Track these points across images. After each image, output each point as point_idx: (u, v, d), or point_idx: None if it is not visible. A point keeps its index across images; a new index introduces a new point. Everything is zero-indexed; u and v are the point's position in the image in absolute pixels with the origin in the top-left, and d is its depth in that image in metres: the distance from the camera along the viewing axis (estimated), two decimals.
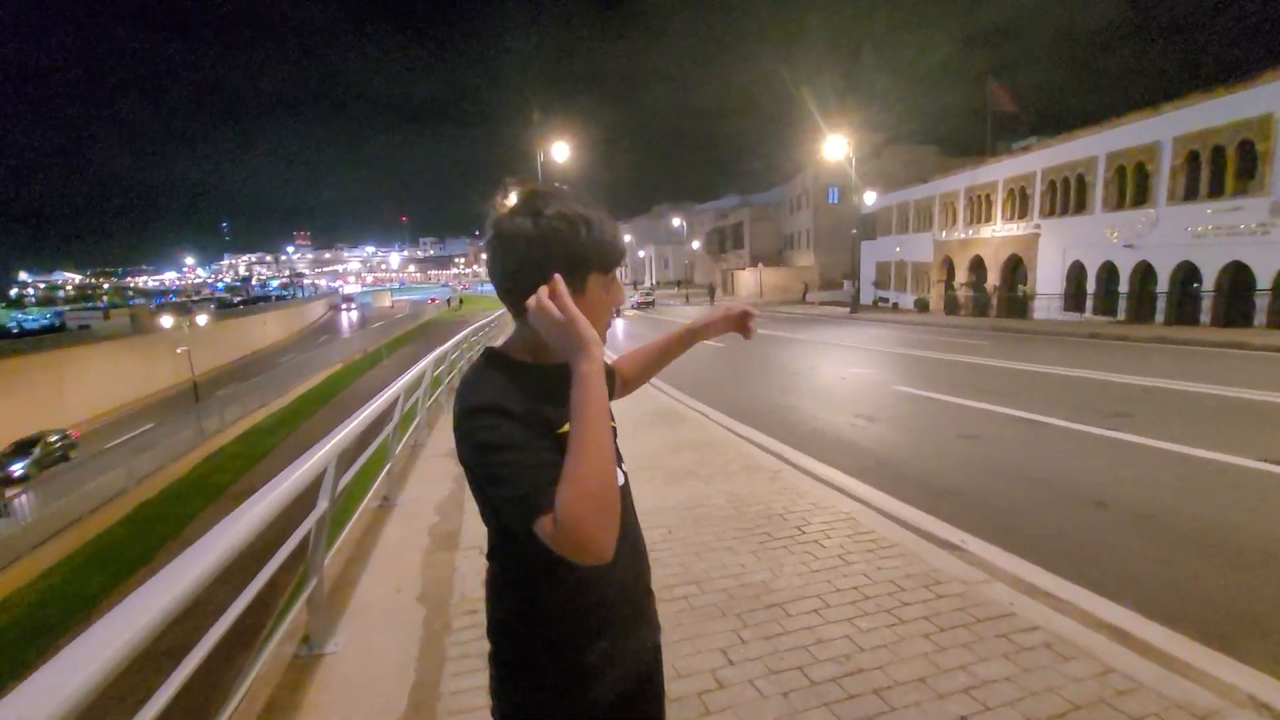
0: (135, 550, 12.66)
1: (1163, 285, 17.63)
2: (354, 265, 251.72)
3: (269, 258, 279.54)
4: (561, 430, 0.90)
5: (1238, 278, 15.87)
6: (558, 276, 0.89)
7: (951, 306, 27.10)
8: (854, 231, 29.97)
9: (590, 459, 0.82)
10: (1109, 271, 19.63)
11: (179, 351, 31.71)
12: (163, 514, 14.76)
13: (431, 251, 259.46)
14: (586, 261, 0.92)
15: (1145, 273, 18.32)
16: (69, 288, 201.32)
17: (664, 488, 4.44)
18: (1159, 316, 17.56)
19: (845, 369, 11.15)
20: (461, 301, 77.88)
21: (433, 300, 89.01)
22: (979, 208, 25.99)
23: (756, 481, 4.52)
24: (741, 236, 56.23)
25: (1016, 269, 24.15)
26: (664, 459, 5.08)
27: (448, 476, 5.03)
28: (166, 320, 36.13)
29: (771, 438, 6.16)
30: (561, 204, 0.91)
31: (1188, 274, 17.14)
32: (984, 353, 12.49)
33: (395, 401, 4.45)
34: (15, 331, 37.60)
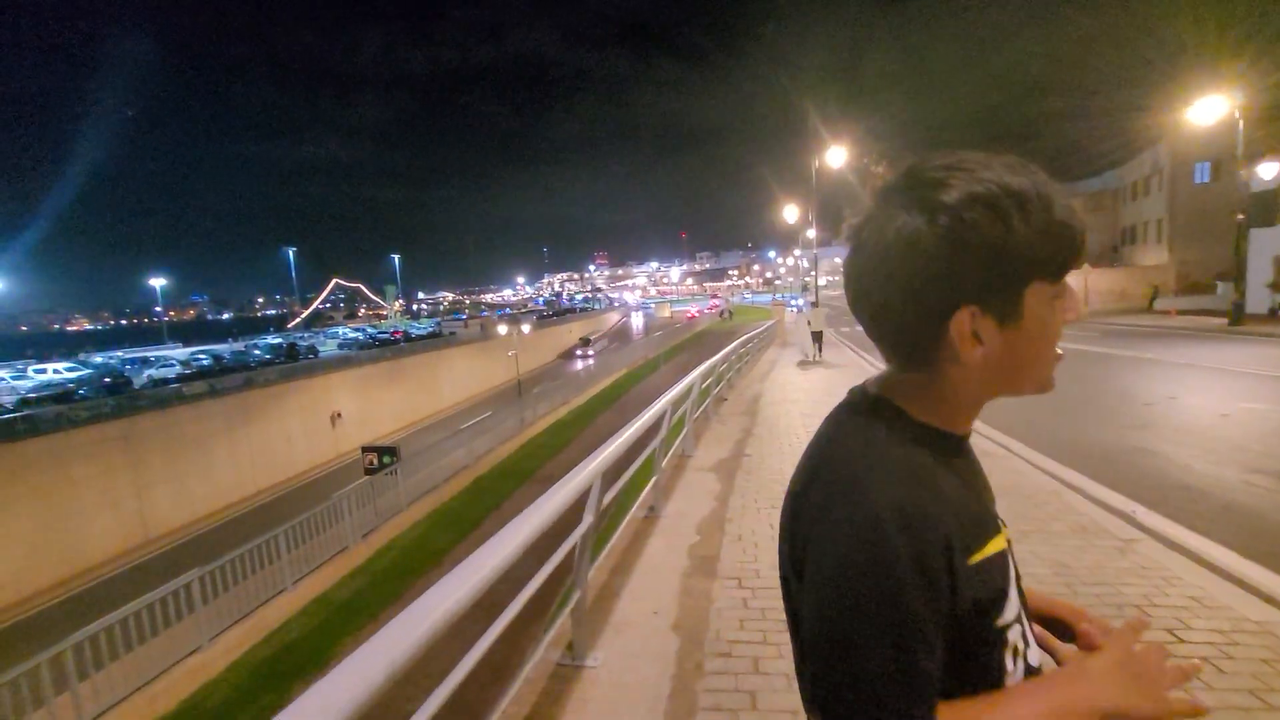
0: (471, 516, 15.71)
1: None
2: (640, 280, 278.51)
3: (576, 276, 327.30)
4: (975, 559, 0.59)
5: None
6: None
7: None
8: (1238, 217, 22.32)
9: None
10: None
11: (509, 355, 38.78)
12: (490, 488, 18.09)
13: (707, 265, 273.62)
14: (1025, 267, 0.57)
15: None
16: (445, 302, 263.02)
17: None
18: None
19: (1229, 402, 8.25)
20: (732, 313, 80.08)
21: (690, 315, 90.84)
22: None
23: (1097, 551, 3.46)
24: None
25: None
26: None
27: (710, 494, 4.97)
28: (502, 329, 44.63)
29: (1116, 492, 4.74)
30: (970, 179, 0.56)
31: None
32: None
33: (662, 416, 4.53)
34: (414, 337, 50.47)
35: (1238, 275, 22.54)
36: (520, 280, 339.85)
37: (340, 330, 77.85)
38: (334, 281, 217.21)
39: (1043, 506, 4.19)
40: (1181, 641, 2.55)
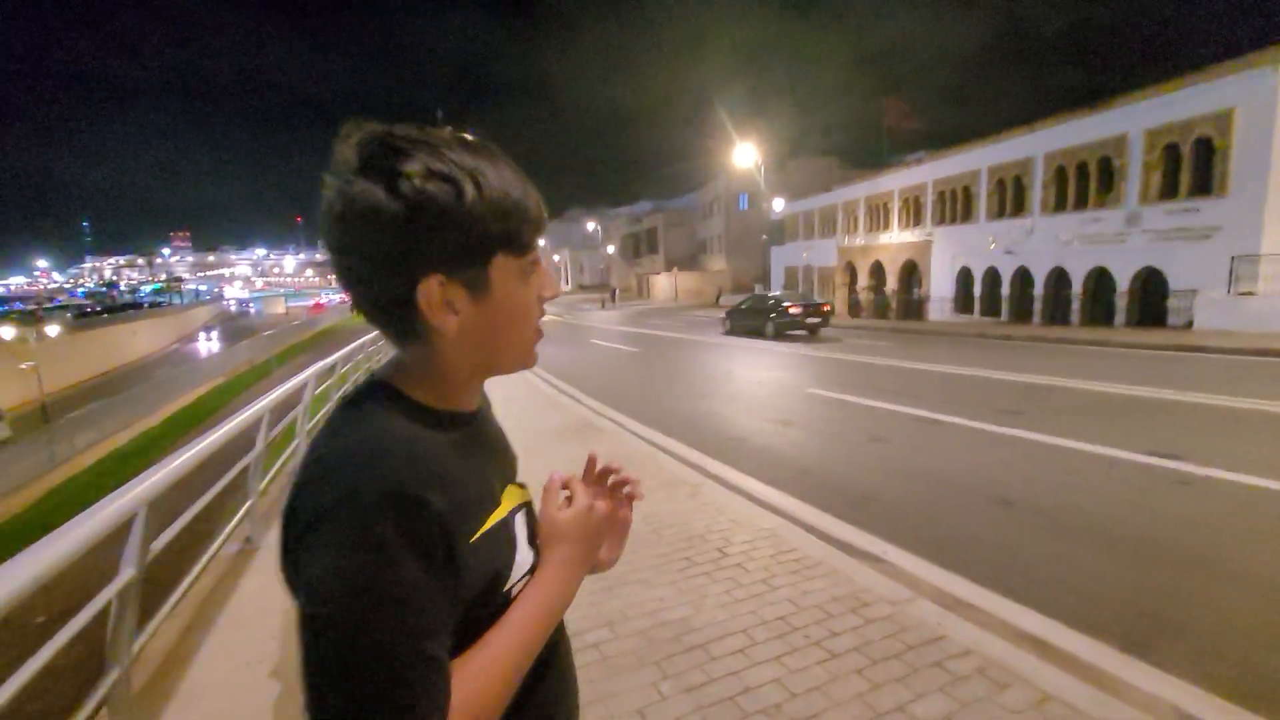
0: None
1: (1039, 289, 19.21)
2: (243, 269, 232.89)
3: (141, 260, 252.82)
4: (477, 536, 0.60)
5: (1101, 281, 17.53)
6: None
7: (854, 309, 28.42)
8: (764, 237, 30.86)
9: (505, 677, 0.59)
10: (993, 276, 21.17)
11: (23, 368, 27.78)
12: None
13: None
14: (485, 241, 0.60)
15: (1024, 277, 19.90)
16: None
17: None
18: (1036, 318, 19.12)
19: (758, 373, 11.23)
20: None
21: (316, 305, 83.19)
22: (878, 215, 27.43)
23: (676, 499, 4.25)
24: (656, 241, 56.74)
25: (913, 273, 25.64)
26: None
27: None
28: (6, 332, 31.63)
29: (692, 448, 5.93)
30: (432, 154, 0.57)
31: (1060, 278, 18.77)
32: (886, 353, 13.00)
33: (259, 423, 3.80)
34: None
35: (765, 280, 30.93)
36: (42, 264, 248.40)
37: None
38: None
39: (641, 469, 4.96)
40: (726, 555, 3.32)
